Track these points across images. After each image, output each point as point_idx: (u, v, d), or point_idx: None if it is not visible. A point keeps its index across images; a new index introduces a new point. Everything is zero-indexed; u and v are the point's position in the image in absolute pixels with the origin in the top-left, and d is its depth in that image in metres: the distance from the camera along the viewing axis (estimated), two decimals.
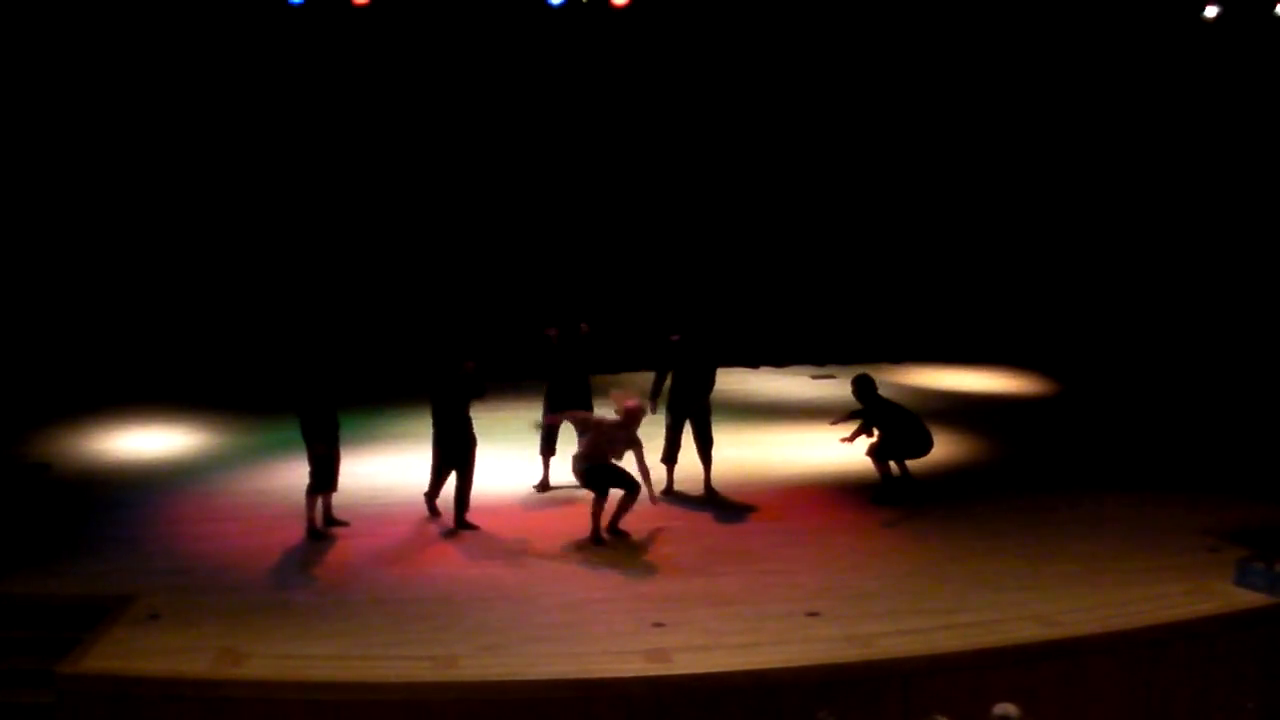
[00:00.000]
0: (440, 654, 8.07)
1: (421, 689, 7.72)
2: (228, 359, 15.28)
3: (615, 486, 10.27)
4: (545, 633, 8.44)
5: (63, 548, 9.97)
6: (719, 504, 11.38)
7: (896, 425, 11.36)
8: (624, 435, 10.31)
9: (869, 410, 11.37)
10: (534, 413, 12.50)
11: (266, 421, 13.42)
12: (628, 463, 10.40)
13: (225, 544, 10.17)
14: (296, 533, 10.39)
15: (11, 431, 13.30)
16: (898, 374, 16.78)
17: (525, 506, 11.31)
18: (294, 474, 11.46)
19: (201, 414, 14.19)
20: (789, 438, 13.59)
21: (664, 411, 11.65)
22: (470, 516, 10.77)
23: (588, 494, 10.60)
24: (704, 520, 10.92)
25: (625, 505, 10.33)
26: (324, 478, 10.43)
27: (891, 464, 11.41)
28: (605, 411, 11.01)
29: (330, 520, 10.58)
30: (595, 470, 10.24)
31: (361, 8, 14.29)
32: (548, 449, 11.81)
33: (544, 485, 11.78)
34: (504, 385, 14.98)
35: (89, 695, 7.72)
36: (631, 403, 10.42)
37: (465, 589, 9.26)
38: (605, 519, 10.27)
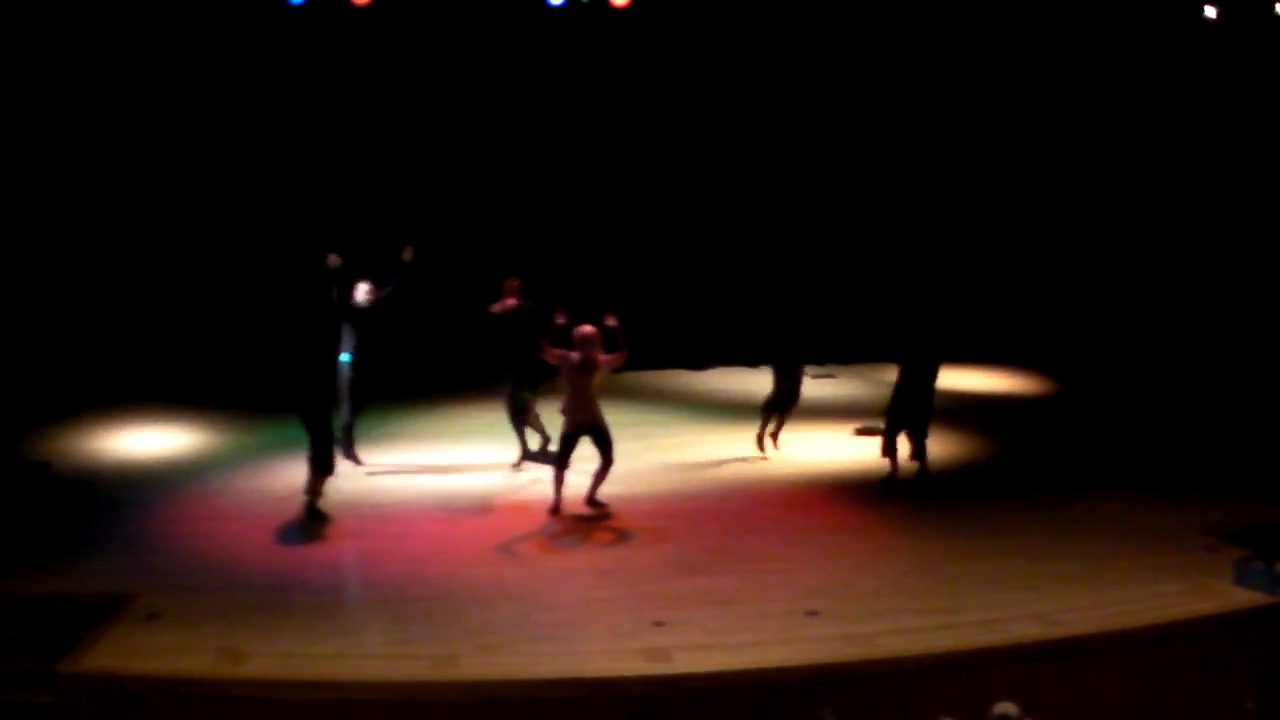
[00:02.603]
0: (440, 653, 8.07)
1: (421, 688, 7.72)
2: (228, 359, 15.27)
3: (602, 451, 10.76)
4: (545, 632, 8.44)
5: (63, 547, 9.96)
6: (728, 496, 11.49)
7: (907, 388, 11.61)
8: (592, 355, 10.64)
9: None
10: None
11: (266, 421, 13.41)
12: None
13: (225, 544, 10.17)
14: (297, 532, 10.39)
15: (11, 431, 13.30)
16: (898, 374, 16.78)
17: (524, 506, 11.29)
18: (294, 474, 11.48)
19: (201, 414, 14.19)
20: (789, 437, 13.58)
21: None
22: (472, 516, 10.83)
23: (583, 493, 10.87)
24: (704, 519, 10.92)
25: (601, 474, 10.84)
26: (326, 460, 10.61)
27: (902, 455, 11.52)
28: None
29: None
30: (572, 438, 10.70)
31: (361, 8, 14.29)
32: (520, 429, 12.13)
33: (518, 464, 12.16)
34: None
35: (89, 694, 7.71)
36: (581, 330, 10.71)
37: (465, 589, 9.25)
38: (587, 491, 10.86)
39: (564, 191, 16.50)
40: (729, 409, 14.93)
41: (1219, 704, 8.56)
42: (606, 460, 10.83)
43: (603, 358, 10.76)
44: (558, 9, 14.74)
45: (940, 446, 13.15)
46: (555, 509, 10.77)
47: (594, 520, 10.77)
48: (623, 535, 10.45)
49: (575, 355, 10.66)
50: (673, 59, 16.41)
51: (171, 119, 15.32)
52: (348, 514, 10.78)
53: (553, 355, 10.68)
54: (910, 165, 17.29)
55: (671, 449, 13.06)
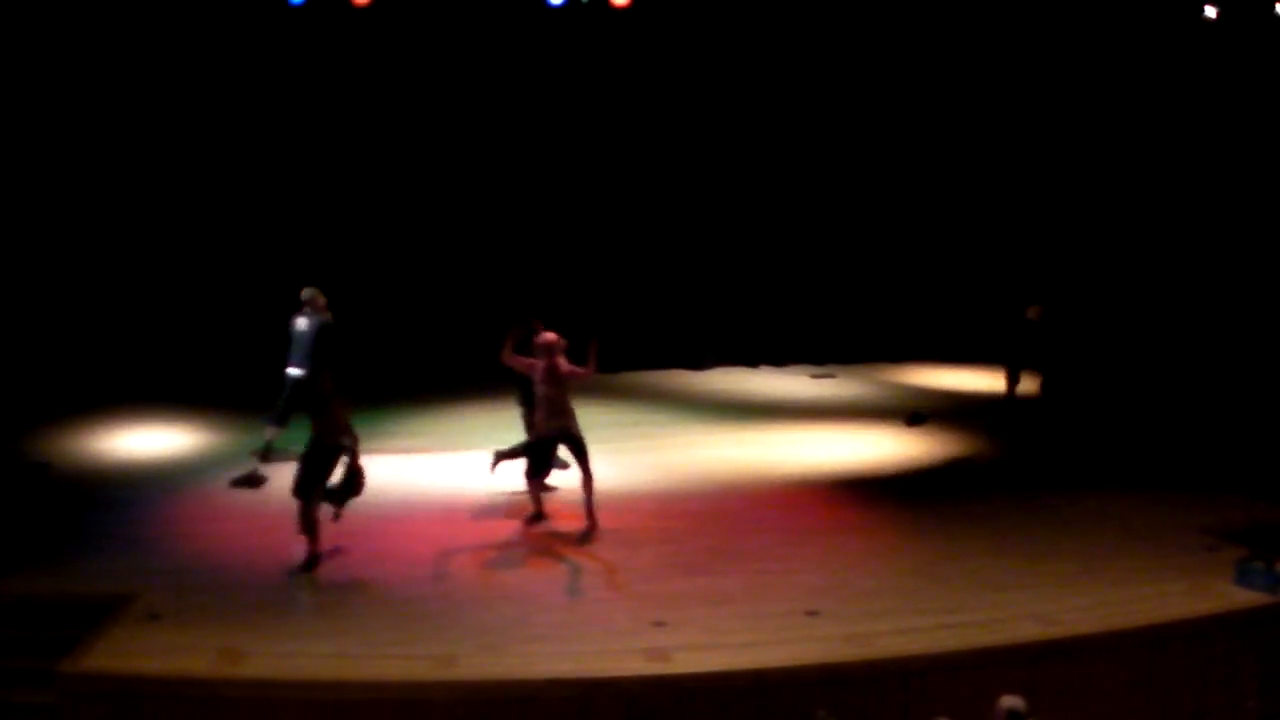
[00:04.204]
0: (440, 653, 8.07)
1: (421, 688, 7.72)
2: (228, 359, 15.27)
3: (579, 462, 10.43)
4: (545, 632, 8.44)
5: (63, 547, 9.96)
6: (728, 496, 11.41)
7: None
8: (555, 362, 10.33)
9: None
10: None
11: (265, 421, 13.40)
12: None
13: (225, 543, 10.17)
14: (297, 533, 10.38)
15: (11, 431, 13.30)
16: (898, 374, 16.82)
17: (525, 507, 11.26)
18: (292, 473, 11.48)
19: (201, 414, 14.19)
20: (789, 437, 13.60)
21: None
22: (472, 516, 10.83)
23: (576, 494, 10.75)
24: (704, 519, 10.92)
25: (587, 488, 10.40)
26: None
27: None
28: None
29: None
30: (548, 442, 10.43)
31: (362, 8, 14.30)
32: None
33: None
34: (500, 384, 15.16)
35: (89, 694, 7.71)
36: (542, 338, 10.44)
37: (465, 589, 9.26)
38: (584, 510, 10.51)
39: (564, 191, 16.49)
40: (729, 409, 14.93)
41: (1219, 704, 8.57)
42: (585, 473, 10.42)
43: (568, 367, 10.41)
44: (558, 9, 14.74)
45: (941, 446, 13.20)
46: (534, 517, 10.52)
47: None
48: (623, 535, 10.43)
49: (540, 363, 10.38)
50: (673, 59, 16.41)
51: (173, 119, 15.31)
52: (347, 514, 10.75)
53: (517, 363, 10.44)
54: (911, 166, 17.28)
55: (671, 449, 13.06)
